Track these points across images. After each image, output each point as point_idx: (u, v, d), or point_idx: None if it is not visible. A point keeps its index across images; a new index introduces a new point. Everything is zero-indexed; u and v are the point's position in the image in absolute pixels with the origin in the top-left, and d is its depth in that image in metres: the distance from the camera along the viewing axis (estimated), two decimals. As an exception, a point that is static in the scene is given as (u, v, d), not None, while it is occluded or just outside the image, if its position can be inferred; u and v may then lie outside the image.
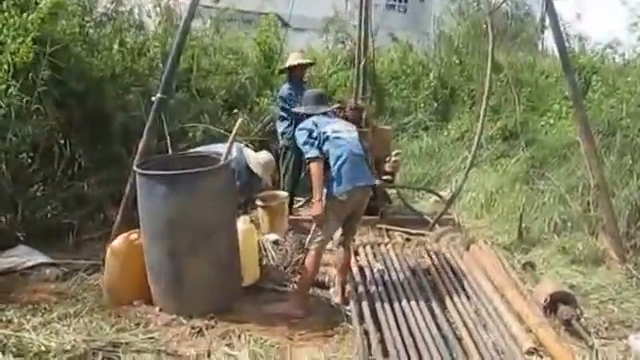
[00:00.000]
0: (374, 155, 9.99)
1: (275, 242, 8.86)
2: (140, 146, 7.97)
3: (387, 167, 10.93)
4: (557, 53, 9.19)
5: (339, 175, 6.90)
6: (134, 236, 7.16)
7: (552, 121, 14.00)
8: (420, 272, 8.22)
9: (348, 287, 7.63)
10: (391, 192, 11.50)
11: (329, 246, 7.71)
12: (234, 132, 7.27)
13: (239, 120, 7.48)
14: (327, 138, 7.08)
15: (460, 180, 10.72)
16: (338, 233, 7.45)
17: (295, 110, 8.13)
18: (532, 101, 15.31)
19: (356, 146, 7.22)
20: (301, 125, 7.33)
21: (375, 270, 8.21)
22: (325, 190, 6.96)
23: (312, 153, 6.95)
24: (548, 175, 11.32)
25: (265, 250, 8.61)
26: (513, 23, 19.40)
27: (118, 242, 7.18)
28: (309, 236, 7.27)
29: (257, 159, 9.32)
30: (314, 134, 7.12)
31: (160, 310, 6.84)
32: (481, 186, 12.10)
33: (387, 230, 10.25)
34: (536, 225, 10.01)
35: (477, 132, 10.29)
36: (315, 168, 6.87)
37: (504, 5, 15.92)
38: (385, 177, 10.98)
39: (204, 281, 6.81)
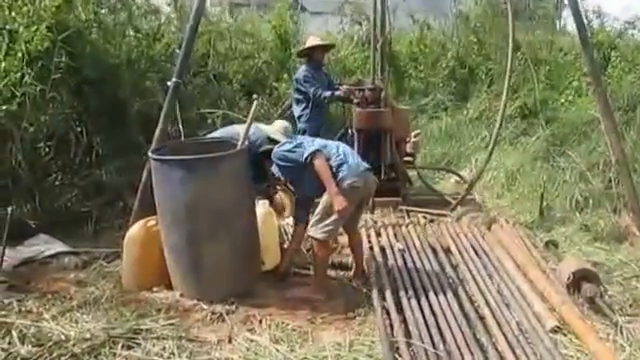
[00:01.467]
0: (394, 136, 10.13)
1: (296, 225, 8.77)
2: (156, 132, 7.89)
3: (407, 148, 10.88)
4: (575, 29, 9.04)
5: (346, 160, 6.80)
6: (152, 222, 7.13)
7: (571, 98, 14.01)
8: (441, 252, 8.17)
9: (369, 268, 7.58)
10: (412, 173, 11.36)
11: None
12: (251, 115, 7.16)
13: (254, 103, 7.38)
14: (312, 141, 7.13)
15: (481, 160, 10.61)
16: None
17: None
18: (551, 79, 15.20)
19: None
20: (278, 145, 7.26)
21: (396, 250, 8.15)
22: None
23: (310, 148, 6.75)
24: (569, 152, 11.30)
25: (286, 234, 8.56)
26: (531, 2, 19.29)
27: (136, 228, 7.18)
28: (312, 222, 7.00)
29: (274, 127, 9.14)
30: (298, 141, 7.12)
31: (181, 295, 6.82)
32: (502, 165, 12.04)
33: (408, 211, 10.17)
34: (557, 203, 10.01)
35: (500, 111, 10.13)
36: (319, 162, 6.63)
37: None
38: (405, 158, 10.94)
39: (224, 266, 6.80)
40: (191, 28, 8.11)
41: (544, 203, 9.77)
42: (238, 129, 7.63)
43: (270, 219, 7.84)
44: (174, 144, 7.75)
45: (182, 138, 8.12)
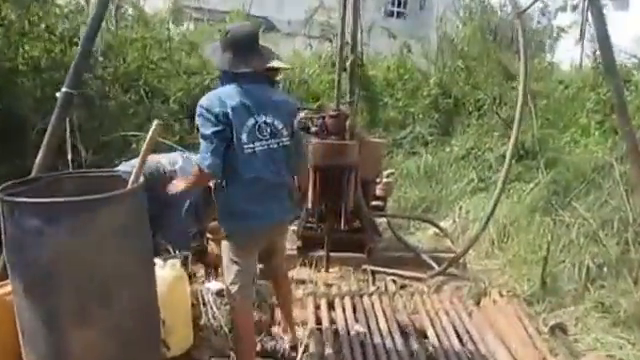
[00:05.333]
0: (361, 175, 8.65)
1: (219, 293, 6.80)
2: (37, 159, 6.18)
3: (377, 190, 9.52)
4: (599, 52, 8.15)
5: (236, 205, 5.16)
6: (7, 289, 5.24)
7: (578, 137, 12.74)
8: (414, 336, 6.58)
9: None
10: (381, 221, 9.91)
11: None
12: (147, 141, 5.22)
13: (154, 123, 5.42)
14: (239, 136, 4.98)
15: (466, 208, 9.23)
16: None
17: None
18: (549, 114, 14.13)
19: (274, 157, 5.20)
20: (202, 101, 5.04)
21: (354, 334, 6.58)
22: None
23: (208, 161, 4.87)
24: (575, 204, 9.72)
25: (205, 305, 6.62)
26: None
27: (-20, 297, 5.34)
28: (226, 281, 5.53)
29: None
30: (220, 118, 4.89)
31: (37, 396, 4.95)
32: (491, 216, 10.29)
33: (374, 272, 8.57)
34: (564, 271, 8.34)
35: (508, 152, 8.80)
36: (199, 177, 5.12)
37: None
38: (374, 203, 9.52)
39: (98, 358, 4.87)
40: (94, 19, 6.40)
41: (547, 270, 8.14)
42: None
43: (179, 286, 5.96)
44: (46, 179, 5.85)
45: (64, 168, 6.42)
